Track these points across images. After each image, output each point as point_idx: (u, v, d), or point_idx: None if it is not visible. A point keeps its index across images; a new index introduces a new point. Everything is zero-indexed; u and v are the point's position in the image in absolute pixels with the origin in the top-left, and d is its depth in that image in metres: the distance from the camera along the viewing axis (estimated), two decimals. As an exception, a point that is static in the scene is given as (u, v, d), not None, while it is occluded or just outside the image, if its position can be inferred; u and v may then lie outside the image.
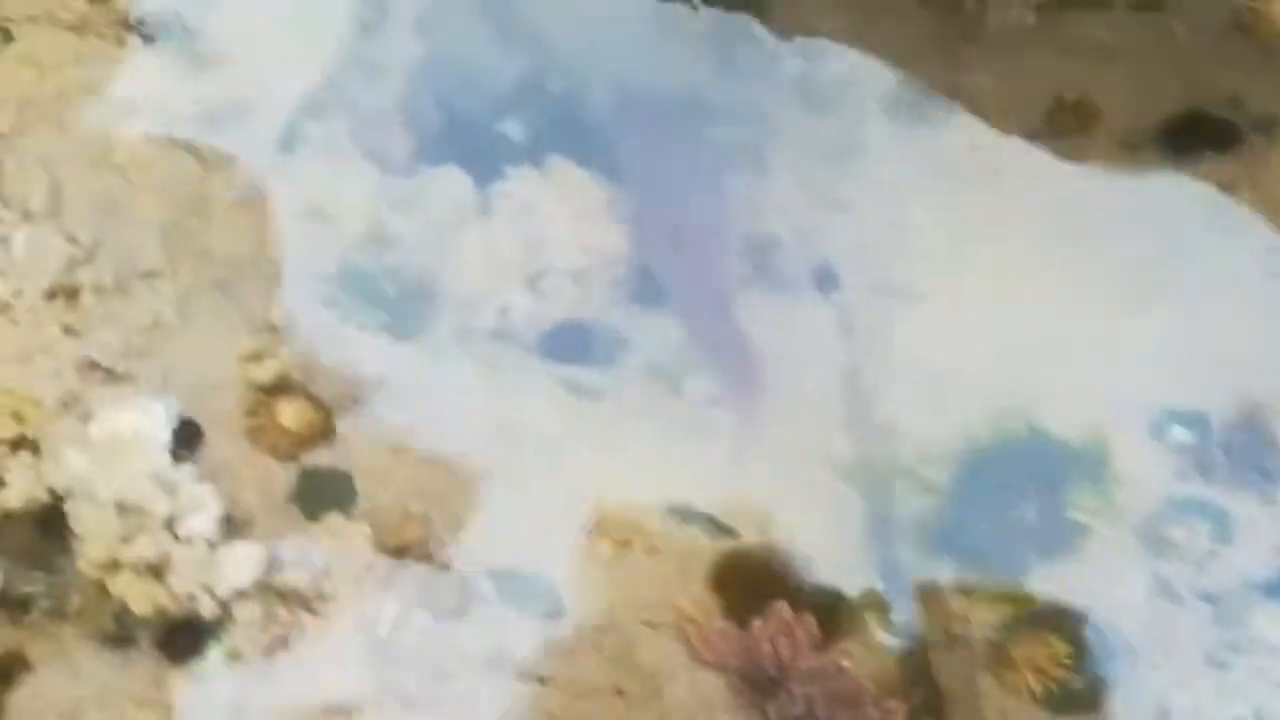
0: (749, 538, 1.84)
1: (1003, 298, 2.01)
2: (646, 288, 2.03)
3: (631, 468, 1.89)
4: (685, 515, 1.85)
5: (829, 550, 1.85)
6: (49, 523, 1.60)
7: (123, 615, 1.57)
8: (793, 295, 2.07)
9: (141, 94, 1.88)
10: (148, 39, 1.92)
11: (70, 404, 1.60)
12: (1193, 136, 2.04)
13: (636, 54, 2.17)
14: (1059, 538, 1.85)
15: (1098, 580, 1.80)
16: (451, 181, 2.04)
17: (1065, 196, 2.07)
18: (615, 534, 1.81)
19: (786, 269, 2.09)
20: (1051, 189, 2.08)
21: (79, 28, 1.90)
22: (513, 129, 2.12)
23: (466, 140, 2.11)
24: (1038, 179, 2.08)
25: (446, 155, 2.07)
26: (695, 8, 2.13)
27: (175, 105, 1.88)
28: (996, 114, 2.09)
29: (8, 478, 1.58)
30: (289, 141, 1.95)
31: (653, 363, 1.98)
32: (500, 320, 1.97)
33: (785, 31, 2.13)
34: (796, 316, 2.06)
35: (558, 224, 2.02)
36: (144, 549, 1.52)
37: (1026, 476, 1.88)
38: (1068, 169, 2.08)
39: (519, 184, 2.05)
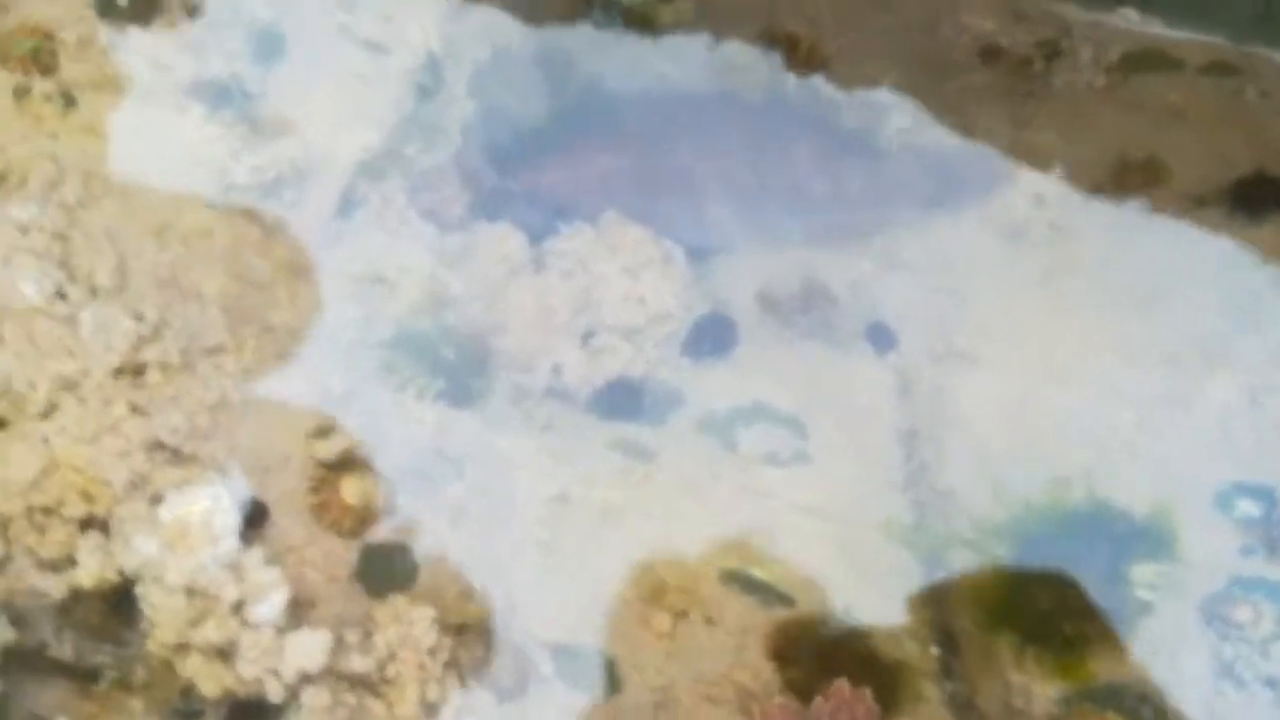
0: (807, 606, 1.84)
1: (1064, 362, 1.99)
2: (699, 340, 2.04)
3: (687, 534, 1.88)
4: (743, 583, 1.85)
5: (887, 618, 1.85)
6: (119, 600, 1.62)
7: (190, 691, 1.59)
8: (847, 352, 2.06)
9: (202, 161, 1.89)
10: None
11: (138, 485, 1.62)
12: (1261, 199, 2.00)
13: (696, 111, 2.16)
14: (1120, 613, 1.83)
15: (1158, 658, 1.78)
16: (506, 238, 2.04)
17: (1130, 258, 2.04)
18: (673, 604, 1.81)
19: (842, 326, 2.08)
20: (1115, 250, 2.05)
21: (142, 95, 1.91)
22: (567, 186, 2.13)
23: (520, 196, 2.12)
24: (1101, 239, 2.05)
25: (501, 211, 2.07)
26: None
27: (235, 172, 1.88)
28: (1060, 171, 2.06)
29: (79, 557, 1.61)
30: (347, 206, 1.96)
31: (705, 417, 1.98)
32: (553, 379, 1.98)
33: (845, 86, 2.11)
34: (853, 375, 2.05)
35: (610, 280, 2.02)
36: (212, 633, 1.54)
37: (1088, 549, 1.86)
38: (1133, 229, 2.05)
39: (572, 240, 2.05)
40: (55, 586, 1.63)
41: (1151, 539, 1.85)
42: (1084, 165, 2.05)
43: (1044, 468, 1.90)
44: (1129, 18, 1.93)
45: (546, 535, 1.82)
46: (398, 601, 1.65)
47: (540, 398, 1.97)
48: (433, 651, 1.59)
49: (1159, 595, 1.82)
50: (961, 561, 1.88)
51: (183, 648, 1.56)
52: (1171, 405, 1.93)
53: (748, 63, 2.13)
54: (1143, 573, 1.84)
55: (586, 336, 2.00)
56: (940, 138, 2.11)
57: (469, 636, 1.69)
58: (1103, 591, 1.83)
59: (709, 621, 1.80)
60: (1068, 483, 1.89)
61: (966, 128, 2.08)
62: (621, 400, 2.00)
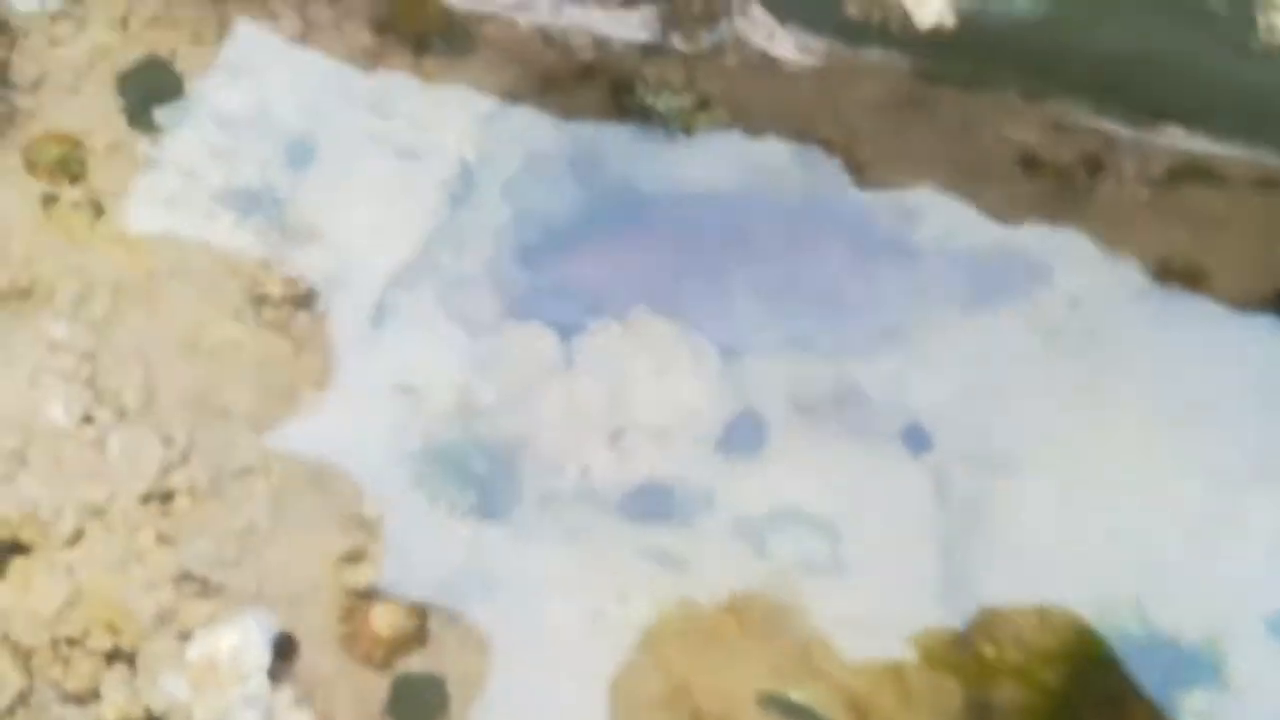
0: (847, 730, 1.79)
1: (1106, 471, 1.94)
2: (730, 439, 2.00)
3: (722, 653, 1.84)
4: (781, 707, 1.80)
5: (928, 743, 1.80)
6: (145, 738, 1.58)
7: (217, 832, 1.55)
8: (882, 453, 2.02)
9: (232, 271, 1.86)
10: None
11: (165, 618, 1.58)
12: (1308, 308, 1.97)
13: (728, 211, 2.13)
14: (1170, 744, 1.78)
15: (1212, 794, 1.74)
16: (536, 338, 2.01)
17: (1172, 364, 1.99)
18: (711, 732, 1.76)
19: (876, 426, 2.04)
20: (1157, 355, 2.01)
21: (170, 202, 1.89)
22: (597, 279, 2.10)
23: (549, 291, 2.09)
24: (1142, 344, 2.01)
25: (531, 311, 2.04)
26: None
27: (266, 285, 1.86)
28: (1098, 275, 2.03)
29: (104, 691, 1.57)
30: (379, 316, 1.93)
31: (736, 520, 1.93)
32: (581, 481, 1.93)
33: (878, 189, 2.08)
34: (888, 477, 2.00)
35: (640, 378, 1.99)
36: (241, 779, 1.50)
37: (1138, 676, 1.81)
38: (1174, 334, 2.01)
39: (601, 338, 2.02)
40: (80, 721, 1.59)
41: (1202, 668, 1.80)
42: (1122, 270, 2.02)
43: (1090, 587, 1.85)
44: (1175, 135, 1.91)
45: (579, 659, 1.77)
46: (430, 737, 1.61)
47: (569, 501, 1.93)
48: (467, 794, 1.55)
49: (1210, 724, 1.78)
50: (1008, 686, 1.83)
51: (212, 792, 1.51)
52: (1220, 523, 1.88)
53: (781, 166, 2.10)
54: (1193, 702, 1.79)
55: (615, 436, 1.97)
56: (977, 240, 2.08)
57: (503, 773, 1.65)
58: (1153, 720, 1.79)
59: (748, 749, 1.76)
60: (1115, 605, 1.84)
61: (1002, 231, 2.05)
62: (651, 503, 1.96)
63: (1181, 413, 1.96)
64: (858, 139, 2.03)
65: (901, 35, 1.84)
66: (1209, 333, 2.00)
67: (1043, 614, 1.84)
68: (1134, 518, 1.89)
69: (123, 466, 1.64)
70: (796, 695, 1.81)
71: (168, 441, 1.67)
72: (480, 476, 1.90)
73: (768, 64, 2.01)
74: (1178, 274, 2.00)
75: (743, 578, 1.89)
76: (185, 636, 1.56)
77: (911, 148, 2.02)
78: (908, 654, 1.85)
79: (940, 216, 2.08)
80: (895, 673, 1.84)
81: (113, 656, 1.58)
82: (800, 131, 2.05)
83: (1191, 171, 1.92)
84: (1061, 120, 1.94)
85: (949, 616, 1.88)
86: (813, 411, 2.06)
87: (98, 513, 1.63)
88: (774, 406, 2.04)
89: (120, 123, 1.93)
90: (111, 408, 1.70)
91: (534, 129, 2.10)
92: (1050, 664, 1.81)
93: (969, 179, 2.02)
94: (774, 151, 2.11)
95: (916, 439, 2.02)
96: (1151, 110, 1.86)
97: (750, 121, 2.05)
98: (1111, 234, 2.01)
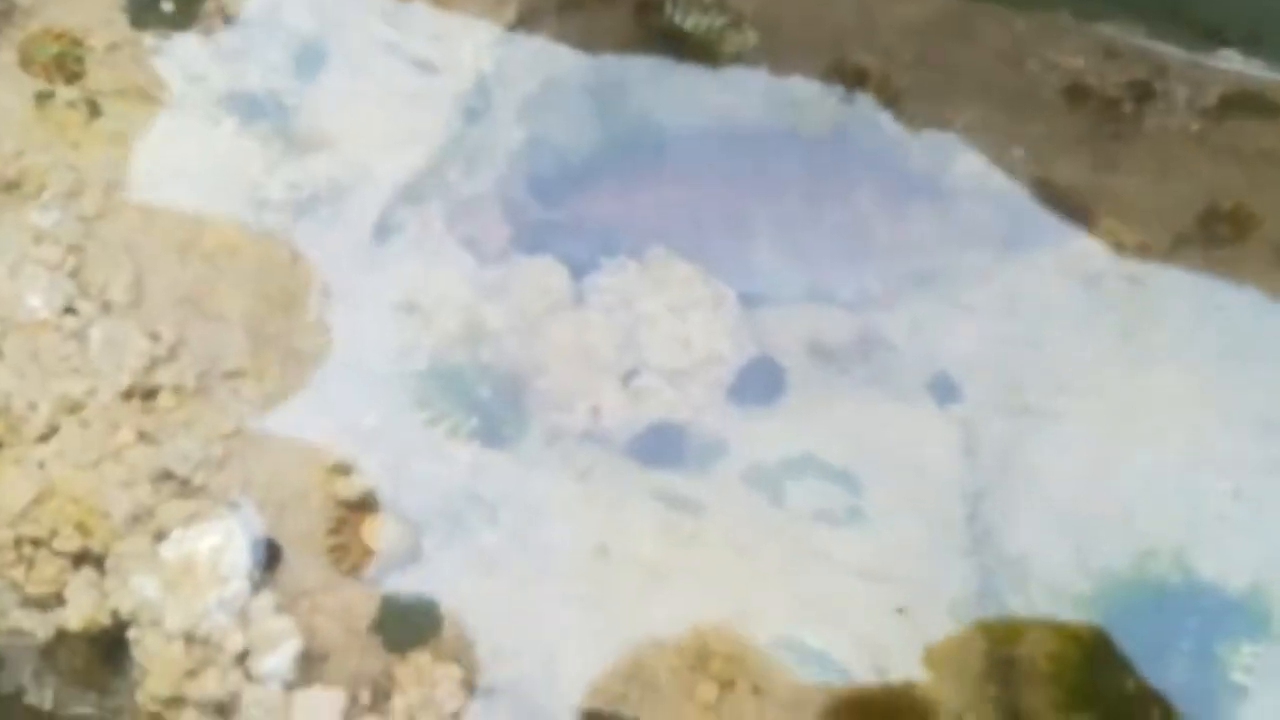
0: (864, 677, 1.68)
1: (1148, 422, 1.83)
2: (745, 385, 1.90)
3: (735, 597, 1.73)
4: (795, 650, 1.69)
5: (950, 695, 1.69)
6: (109, 645, 1.47)
7: (184, 749, 1.44)
8: (907, 404, 1.92)
9: (233, 176, 1.77)
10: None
11: (141, 518, 1.48)
12: (1362, 252, 1.86)
13: (753, 148, 2.04)
14: (1213, 699, 1.66)
15: (1257, 751, 1.62)
16: (547, 271, 1.92)
17: (1217, 312, 1.89)
18: (719, 673, 1.65)
19: (901, 375, 1.95)
20: (1201, 303, 1.90)
21: (172, 105, 1.80)
22: (614, 218, 2.01)
23: (564, 227, 2.00)
24: (1186, 291, 1.91)
25: (543, 244, 1.96)
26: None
27: (268, 188, 1.77)
28: (1143, 218, 1.92)
29: (68, 595, 1.46)
30: (384, 229, 1.84)
31: (752, 469, 1.83)
32: (591, 421, 1.84)
33: (914, 126, 1.99)
34: (912, 428, 1.90)
35: (655, 319, 1.90)
36: (212, 687, 1.39)
37: (1176, 627, 1.69)
38: (1220, 281, 1.91)
39: (616, 276, 1.93)
40: (40, 626, 1.48)
41: (1248, 617, 1.68)
42: (1168, 212, 1.92)
43: (1128, 536, 1.74)
44: (1230, 59, 1.81)
45: (586, 591, 1.67)
46: (419, 659, 1.50)
47: (577, 440, 1.83)
48: (456, 716, 1.43)
49: (1255, 679, 1.65)
50: (1034, 635, 1.72)
51: (176, 701, 1.40)
52: (1266, 470, 1.77)
53: (811, 98, 2.01)
54: (1238, 654, 1.67)
55: (628, 377, 1.87)
56: (1015, 180, 1.98)
57: (497, 701, 1.53)
58: (1192, 673, 1.67)
59: (757, 692, 1.64)
60: (1153, 553, 1.73)
61: (1044, 170, 1.95)
62: (663, 446, 1.87)
63: (1227, 360, 1.85)
64: (894, 65, 1.94)
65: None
66: (1257, 278, 1.90)
67: (1074, 560, 1.73)
68: (1175, 466, 1.78)
69: (104, 360, 1.54)
70: (813, 641, 1.70)
71: (154, 338, 1.58)
72: (485, 402, 1.81)
73: (803, -21, 1.93)
74: (1226, 217, 1.90)
75: (757, 525, 1.79)
76: (161, 536, 1.46)
77: (951, 75, 1.93)
78: (930, 607, 1.74)
79: (977, 153, 1.99)
80: (916, 621, 1.73)
81: (80, 558, 1.48)
82: (834, 57, 1.95)
83: (1245, 101, 1.83)
84: (1112, 44, 1.85)
85: (975, 570, 1.77)
86: (834, 359, 1.97)
87: (75, 408, 1.53)
88: (793, 353, 1.96)
89: (122, 21, 1.85)
90: (96, 302, 1.60)
91: (554, 50, 2.02)
92: (1080, 610, 1.70)
93: (1010, 111, 1.93)
94: (803, 83, 2.02)
95: (944, 389, 1.93)
96: (1207, 31, 1.76)
97: (781, 45, 1.96)
98: (1158, 172, 1.91)
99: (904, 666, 1.69)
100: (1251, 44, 1.78)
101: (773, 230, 2.00)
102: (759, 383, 1.92)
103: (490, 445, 1.76)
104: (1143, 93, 1.85)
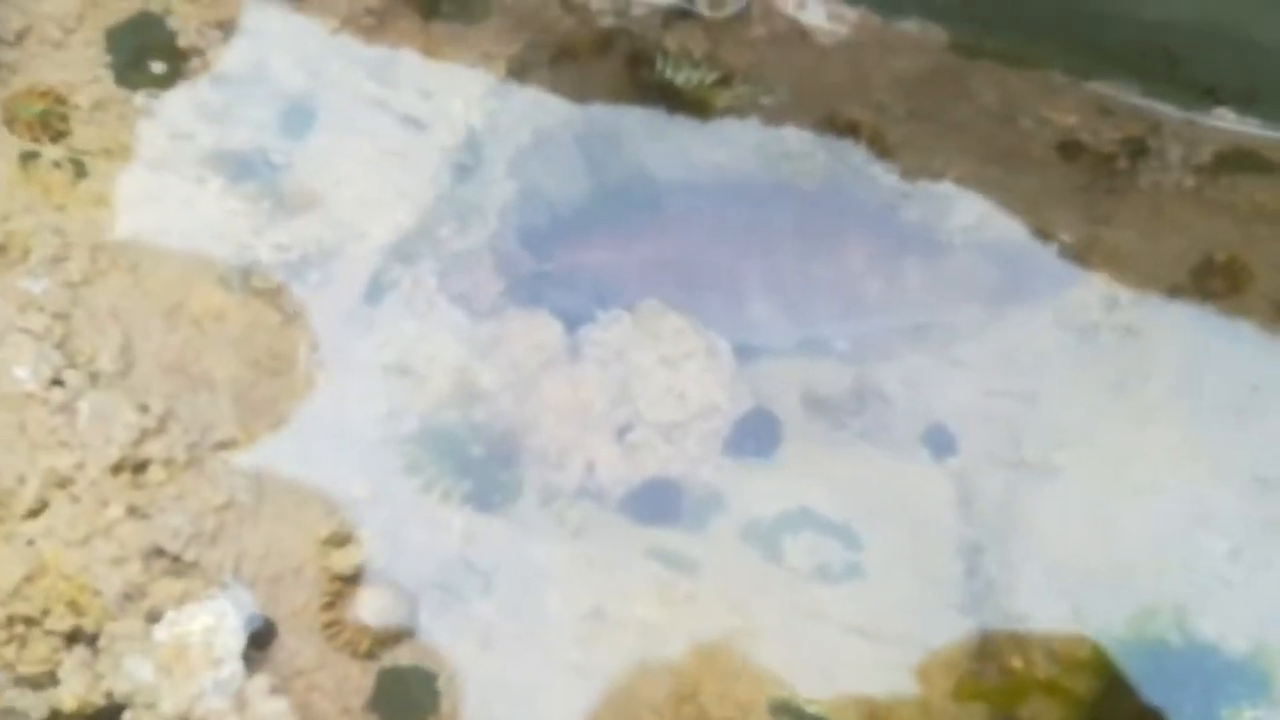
0: (862, 743, 1.67)
1: (1144, 476, 1.83)
2: (741, 439, 1.89)
3: (733, 659, 1.72)
4: (793, 714, 1.68)
5: (950, 760, 1.68)
6: (104, 725, 1.45)
7: (179, 831, 1.41)
8: (902, 456, 1.92)
9: (221, 237, 1.75)
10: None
11: (133, 597, 1.45)
12: (1357, 308, 1.86)
13: (744, 200, 2.02)
14: (1216, 761, 1.65)
15: (1259, 818, 1.61)
16: (540, 325, 1.90)
17: (1213, 366, 1.89)
18: (718, 739, 1.63)
19: (896, 428, 1.94)
20: (1197, 356, 1.90)
21: (157, 164, 1.78)
22: (607, 269, 2.00)
23: (556, 279, 1.99)
24: (1181, 344, 1.91)
25: (536, 297, 1.94)
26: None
27: (256, 250, 1.74)
28: (1138, 271, 1.92)
29: (61, 675, 1.43)
30: (375, 290, 1.82)
31: (749, 525, 1.82)
32: (585, 477, 1.82)
33: (908, 179, 1.98)
34: (908, 481, 1.90)
35: (649, 372, 1.88)
36: (208, 771, 1.36)
37: (1179, 691, 1.68)
38: (1214, 335, 1.90)
39: (609, 329, 1.91)
40: (34, 706, 1.45)
41: (1250, 679, 1.68)
42: (1163, 266, 1.91)
43: (1127, 594, 1.74)
44: (1225, 117, 1.81)
45: (581, 658, 1.65)
46: (417, 734, 1.48)
47: (571, 498, 1.82)
48: (457, 796, 1.42)
49: (1258, 746, 1.65)
50: (1037, 699, 1.71)
51: (174, 785, 1.37)
52: (1265, 528, 1.76)
53: (803, 151, 2.00)
54: (1240, 718, 1.66)
55: (622, 431, 1.86)
56: (1008, 233, 1.98)
57: (496, 775, 1.51)
58: (1196, 739, 1.66)
59: (757, 759, 1.63)
60: (1154, 613, 1.72)
61: (1038, 223, 1.95)
62: (658, 502, 1.85)
63: (1224, 415, 1.85)
64: (887, 120, 1.93)
65: (940, 2, 1.74)
66: (1251, 333, 1.90)
67: (1076, 624, 1.72)
68: (1173, 523, 1.78)
69: (93, 433, 1.51)
70: (811, 707, 1.69)
71: (143, 409, 1.55)
72: (477, 464, 1.79)
73: (796, 34, 1.91)
74: (1220, 272, 1.90)
75: (754, 583, 1.78)
76: (154, 617, 1.43)
77: (944, 130, 1.92)
78: (929, 667, 1.73)
79: (971, 206, 1.98)
80: (915, 686, 1.72)
81: (73, 637, 1.45)
82: (826, 111, 1.95)
83: (1240, 159, 1.82)
84: (1106, 102, 1.85)
85: (973, 628, 1.76)
86: (830, 412, 1.96)
87: (63, 482, 1.50)
88: (788, 406, 1.95)
89: (108, 79, 1.82)
90: (84, 372, 1.57)
91: (545, 104, 2.00)
92: (1083, 676, 1.68)
93: (1004, 165, 1.93)
94: (796, 135, 2.02)
95: (940, 443, 1.92)
96: (1202, 90, 1.76)
97: (773, 99, 1.95)
98: (1152, 226, 1.91)
99: (903, 729, 1.68)
100: (1246, 102, 1.78)
101: (766, 282, 1.99)
102: (755, 434, 1.91)
103: (483, 509, 1.74)
104: (1137, 149, 1.84)
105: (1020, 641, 1.74)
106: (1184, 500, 1.79)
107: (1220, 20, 1.65)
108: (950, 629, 1.76)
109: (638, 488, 1.84)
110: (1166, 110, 1.83)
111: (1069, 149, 1.87)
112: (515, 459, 1.82)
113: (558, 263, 2.00)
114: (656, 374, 1.88)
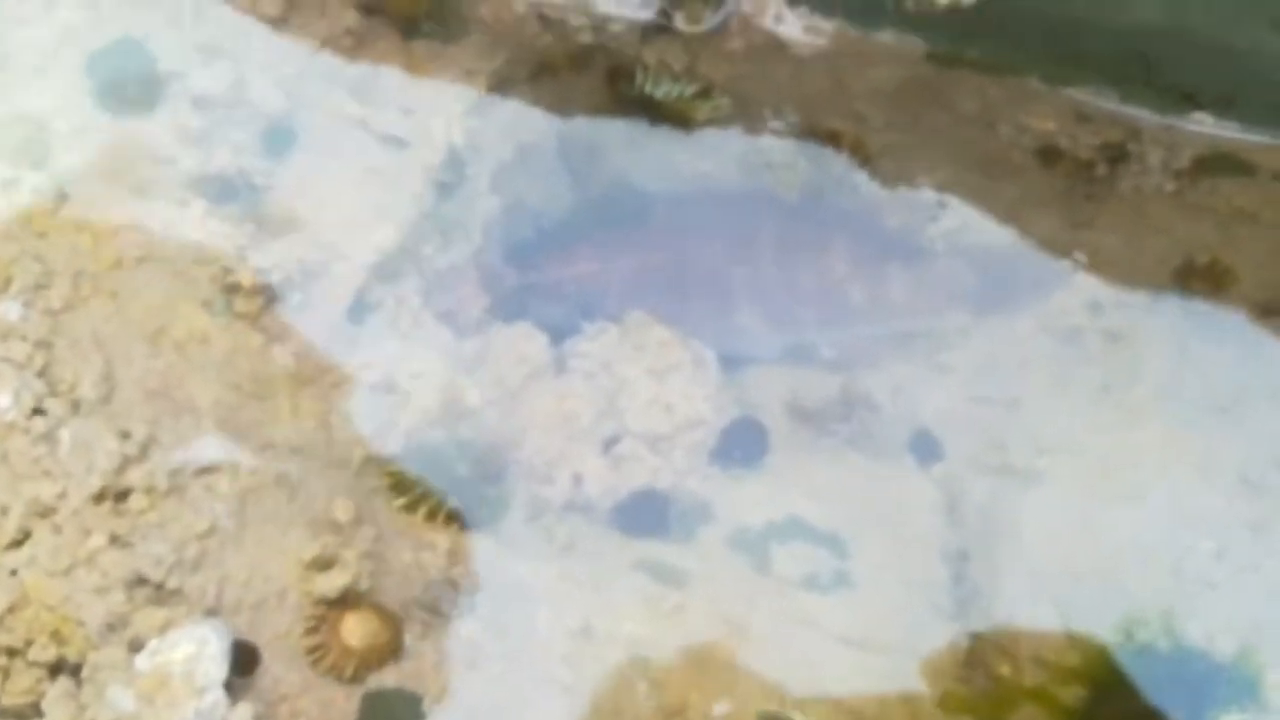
0: (852, 753, 1.67)
1: (1130, 479, 1.83)
2: (728, 448, 1.89)
3: (721, 670, 1.72)
4: (782, 727, 1.68)
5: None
6: (89, 758, 1.45)
7: None
8: (888, 464, 1.92)
9: (203, 260, 1.75)
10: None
11: (116, 627, 1.45)
12: (1338, 307, 1.86)
13: (727, 210, 2.03)
14: (1203, 768, 1.65)
15: (1247, 822, 1.61)
16: (525, 339, 1.90)
17: (1196, 368, 1.89)
18: (707, 754, 1.64)
19: (881, 436, 1.94)
20: (1180, 358, 1.90)
21: (139, 189, 1.78)
22: (592, 281, 2.00)
23: (542, 291, 1.99)
24: (1164, 346, 1.91)
25: (521, 311, 1.94)
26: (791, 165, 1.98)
27: (238, 273, 1.74)
28: (1119, 274, 1.92)
29: (45, 705, 1.44)
30: (359, 309, 1.82)
31: (737, 534, 1.82)
32: (572, 490, 1.82)
33: (889, 187, 1.98)
34: (894, 488, 1.90)
35: (635, 384, 1.88)
36: (193, 800, 1.36)
37: (1168, 697, 1.68)
38: (1199, 336, 1.90)
39: (595, 342, 1.91)
40: (18, 737, 1.45)
41: (1237, 683, 1.68)
42: (1145, 269, 1.92)
43: (1114, 599, 1.74)
44: (1204, 122, 1.81)
45: (569, 676, 1.65)
46: (403, 759, 1.48)
47: (559, 512, 1.82)
48: (443, 821, 1.42)
49: (1246, 750, 1.65)
50: (1026, 707, 1.71)
51: (159, 814, 1.38)
52: (1251, 530, 1.77)
53: (785, 161, 2.00)
54: (1228, 722, 1.67)
55: (609, 443, 1.86)
56: (990, 238, 1.98)
57: (484, 798, 1.52)
58: (1184, 744, 1.66)
59: (747, 771, 1.63)
60: (1141, 618, 1.72)
61: (1019, 229, 1.95)
62: (646, 514, 1.85)
63: (1208, 417, 1.85)
64: (867, 129, 1.94)
65: (916, 14, 1.74)
66: (1233, 335, 1.90)
67: (1063, 630, 1.72)
68: (1158, 525, 1.78)
69: (75, 462, 1.51)
70: (800, 717, 1.69)
71: (125, 436, 1.55)
72: (463, 481, 1.79)
73: (774, 47, 1.91)
74: (1202, 273, 1.90)
75: (743, 593, 1.78)
76: (137, 646, 1.43)
77: (924, 139, 1.92)
78: (918, 675, 1.73)
79: (952, 213, 1.99)
80: (904, 694, 1.72)
81: (56, 668, 1.45)
82: (806, 121, 1.95)
83: (1219, 162, 1.83)
84: (1084, 108, 1.85)
85: (961, 635, 1.77)
86: (816, 420, 1.96)
87: (46, 511, 1.50)
88: (775, 415, 1.95)
89: (88, 105, 1.82)
90: (65, 400, 1.57)
91: (526, 120, 2.00)
92: (1071, 683, 1.69)
93: (984, 172, 1.93)
94: (777, 145, 2.02)
95: (925, 449, 1.93)
96: (1180, 95, 1.76)
97: (753, 111, 1.95)
98: (1133, 230, 1.91)
99: (893, 739, 1.68)
100: (1224, 107, 1.78)
101: (750, 291, 1.99)
102: (742, 443, 1.91)
103: (470, 526, 1.74)
104: (1116, 155, 1.85)
105: (1008, 648, 1.74)
106: (1170, 503, 1.79)
107: (1196, 26, 1.65)
108: (938, 636, 1.76)
109: (625, 500, 1.84)
110: (1145, 115, 1.84)
111: (1048, 155, 1.87)
112: (502, 474, 1.83)
113: (542, 275, 2.01)
114: (642, 385, 1.88)
